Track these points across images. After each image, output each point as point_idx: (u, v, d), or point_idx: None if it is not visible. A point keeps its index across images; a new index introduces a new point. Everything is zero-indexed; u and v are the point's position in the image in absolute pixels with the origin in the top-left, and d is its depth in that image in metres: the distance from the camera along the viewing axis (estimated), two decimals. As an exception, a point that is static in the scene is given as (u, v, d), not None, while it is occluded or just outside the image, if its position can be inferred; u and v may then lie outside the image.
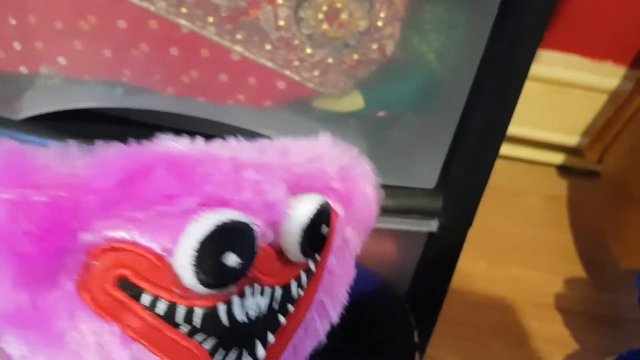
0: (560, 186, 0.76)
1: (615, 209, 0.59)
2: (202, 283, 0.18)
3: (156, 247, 0.18)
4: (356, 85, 0.35)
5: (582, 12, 0.69)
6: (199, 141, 0.21)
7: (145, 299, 0.19)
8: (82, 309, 0.18)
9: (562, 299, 0.61)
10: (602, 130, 0.66)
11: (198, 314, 0.19)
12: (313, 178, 0.23)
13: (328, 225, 0.23)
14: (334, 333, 0.43)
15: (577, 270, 0.64)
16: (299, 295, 0.23)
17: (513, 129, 0.77)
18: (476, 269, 0.63)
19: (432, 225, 0.41)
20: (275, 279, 0.22)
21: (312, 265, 0.24)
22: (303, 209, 0.22)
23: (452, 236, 0.42)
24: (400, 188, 0.40)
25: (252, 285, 0.21)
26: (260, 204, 0.20)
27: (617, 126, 0.63)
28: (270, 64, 0.33)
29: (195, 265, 0.18)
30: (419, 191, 0.40)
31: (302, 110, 0.36)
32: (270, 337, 0.22)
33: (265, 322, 0.22)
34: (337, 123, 0.37)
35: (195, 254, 0.18)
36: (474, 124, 0.36)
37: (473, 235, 0.67)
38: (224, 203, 0.19)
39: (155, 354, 0.19)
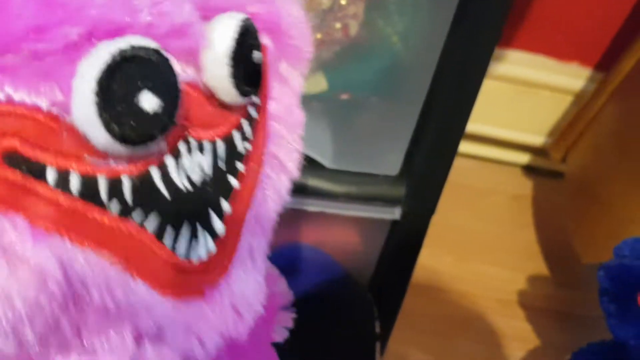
0: (525, 186, 0.77)
1: (579, 206, 0.60)
2: (117, 137, 0.14)
3: (43, 103, 0.13)
4: (320, 66, 0.35)
5: (549, 13, 0.69)
6: None
7: (50, 174, 0.14)
8: None
9: (524, 295, 0.61)
10: (566, 130, 0.67)
11: (126, 185, 0.15)
12: (223, 1, 0.18)
13: (259, 49, 0.18)
14: (295, 321, 0.43)
15: (540, 267, 0.65)
16: (246, 150, 0.19)
17: (479, 128, 0.78)
18: (441, 265, 0.63)
19: (396, 213, 0.41)
20: (212, 129, 0.17)
21: (252, 112, 0.19)
22: (223, 30, 0.16)
23: (415, 224, 0.41)
24: (363, 175, 0.40)
25: (186, 141, 0.16)
26: (165, 28, 0.15)
27: (581, 126, 0.64)
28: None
29: (101, 115, 0.13)
30: (383, 178, 0.40)
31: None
32: (225, 205, 0.18)
33: (215, 187, 0.17)
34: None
35: (97, 98, 0.13)
36: (437, 110, 0.36)
37: (439, 232, 0.67)
38: (117, 31, 0.14)
39: (84, 246, 0.14)
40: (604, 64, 0.71)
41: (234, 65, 0.16)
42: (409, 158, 0.39)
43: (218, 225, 0.17)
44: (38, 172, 0.13)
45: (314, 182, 0.39)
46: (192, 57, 0.16)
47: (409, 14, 0.33)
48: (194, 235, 0.17)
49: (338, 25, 0.32)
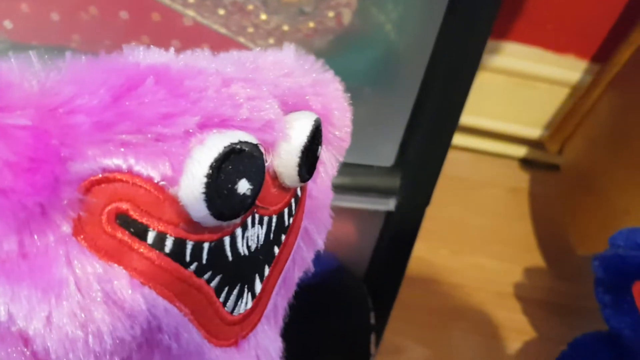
0: (521, 178, 0.77)
1: (574, 197, 0.60)
2: (215, 214, 0.16)
3: (156, 176, 0.16)
4: (313, 56, 0.34)
5: (545, 5, 0.69)
6: (171, 51, 0.18)
7: (151, 236, 0.16)
8: (82, 252, 0.15)
9: (521, 287, 0.61)
10: (562, 122, 0.67)
11: (205, 249, 0.17)
12: (295, 95, 0.20)
13: (320, 145, 0.21)
14: (289, 314, 0.42)
15: (537, 260, 0.65)
16: (289, 224, 0.21)
17: (475, 121, 0.77)
18: (437, 257, 0.63)
19: (390, 204, 0.41)
20: (272, 207, 0.20)
21: (298, 191, 0.22)
22: (301, 129, 0.19)
23: (410, 215, 0.41)
24: (358, 166, 0.40)
25: (252, 215, 0.19)
26: (259, 123, 0.18)
27: (577, 118, 0.64)
28: (223, 30, 0.32)
29: (206, 194, 0.16)
30: (377, 169, 0.40)
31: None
32: (267, 270, 0.21)
33: (263, 254, 0.20)
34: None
35: (207, 180, 0.16)
36: (431, 100, 0.36)
37: (434, 225, 0.67)
38: (224, 122, 0.17)
39: (166, 298, 0.16)
40: (601, 56, 0.70)
41: (302, 157, 0.19)
42: (404, 149, 0.39)
43: (258, 287, 0.20)
44: (142, 233, 0.16)
45: (308, 173, 0.39)
46: (271, 147, 0.19)
47: (402, 2, 0.33)
48: (240, 295, 0.19)
49: (331, 13, 0.32)
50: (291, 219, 0.21)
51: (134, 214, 0.16)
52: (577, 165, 0.62)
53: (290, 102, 0.20)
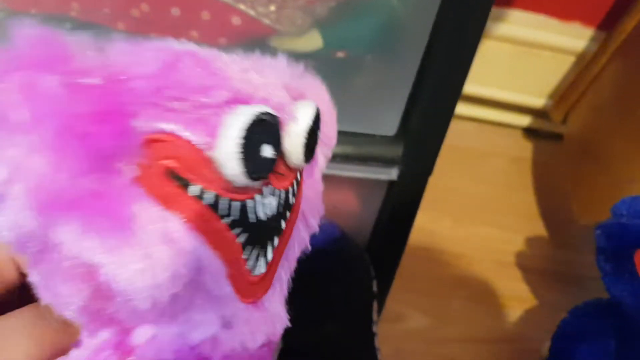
0: (525, 148, 0.76)
1: (578, 166, 0.60)
2: (247, 173, 0.19)
3: (196, 139, 0.18)
4: (314, 23, 0.34)
5: (551, -29, 0.68)
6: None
7: (194, 189, 0.18)
8: (143, 196, 0.17)
9: (523, 256, 0.62)
10: (567, 91, 0.66)
11: (236, 206, 0.20)
12: (294, 91, 0.23)
13: (320, 130, 0.24)
14: (293, 281, 0.43)
15: (539, 229, 0.65)
16: (292, 202, 0.24)
17: (479, 90, 0.77)
18: (439, 227, 0.63)
19: (393, 174, 0.41)
20: (281, 182, 0.22)
21: (298, 175, 0.24)
22: (307, 113, 0.22)
23: (412, 184, 0.41)
24: (360, 135, 0.40)
25: (267, 185, 0.21)
26: (273, 104, 0.20)
27: (582, 87, 0.63)
28: (224, -3, 0.32)
29: (239, 154, 0.18)
30: (379, 139, 0.40)
31: (258, 49, 0.35)
32: (276, 240, 0.23)
33: (274, 225, 0.22)
34: (295, 64, 0.36)
35: (239, 141, 0.18)
36: (434, 68, 0.36)
37: (437, 194, 0.67)
38: (248, 99, 0.20)
39: (207, 245, 0.19)
40: (607, 24, 0.69)
41: (307, 138, 0.22)
42: (406, 118, 0.39)
43: (270, 253, 0.23)
44: (186, 186, 0.18)
45: (310, 142, 0.39)
46: (282, 127, 0.21)
47: (405, -31, 0.32)
48: (258, 257, 0.22)
49: (333, -20, 0.31)
50: (294, 199, 0.24)
51: (180, 170, 0.18)
52: (581, 135, 0.62)
53: (296, 94, 0.23)
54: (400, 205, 0.43)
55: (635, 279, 0.41)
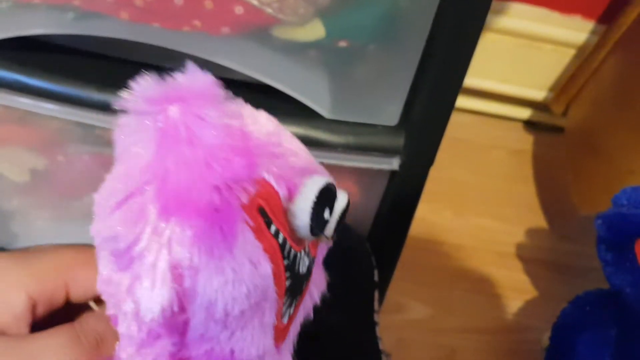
0: (526, 140, 0.76)
1: (578, 158, 0.60)
2: (311, 227, 0.23)
3: (280, 192, 0.23)
4: (317, 12, 0.34)
5: (552, -36, 0.68)
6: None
7: (273, 228, 0.22)
8: (246, 221, 0.21)
9: (523, 248, 0.62)
10: (567, 84, 0.67)
11: (293, 254, 0.23)
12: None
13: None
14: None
15: (539, 221, 0.65)
16: (311, 270, 0.27)
17: (480, 83, 0.77)
18: (440, 218, 0.64)
19: (394, 164, 0.41)
20: (312, 248, 0.26)
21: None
22: (343, 194, 0.25)
23: (413, 174, 0.42)
24: (362, 125, 0.40)
25: (305, 247, 0.25)
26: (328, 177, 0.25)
27: (582, 79, 0.64)
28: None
29: (311, 210, 0.22)
30: (381, 129, 0.40)
31: (261, 39, 0.35)
32: (298, 298, 0.26)
33: (303, 282, 0.26)
34: (297, 54, 0.37)
35: (314, 200, 0.22)
36: (436, 58, 0.36)
37: (438, 186, 0.67)
38: (316, 169, 0.25)
39: (274, 277, 0.22)
40: (607, 17, 0.70)
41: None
42: (408, 108, 0.39)
43: (293, 307, 0.26)
44: (269, 224, 0.22)
45: (312, 132, 0.39)
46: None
47: (407, -42, 0.33)
48: (289, 306, 0.25)
49: (335, -31, 0.31)
50: (311, 267, 0.27)
51: (267, 210, 0.22)
52: (581, 127, 0.62)
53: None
54: (401, 195, 0.43)
55: (636, 269, 0.42)
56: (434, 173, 0.71)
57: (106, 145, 0.41)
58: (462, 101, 0.80)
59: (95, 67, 0.39)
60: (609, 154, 0.54)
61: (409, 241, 0.61)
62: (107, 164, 0.43)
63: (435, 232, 0.62)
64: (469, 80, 0.77)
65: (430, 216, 0.64)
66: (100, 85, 0.37)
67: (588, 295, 0.45)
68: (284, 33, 0.35)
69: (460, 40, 0.35)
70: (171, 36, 0.35)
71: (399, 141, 0.40)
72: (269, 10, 0.33)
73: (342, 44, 0.36)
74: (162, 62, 0.39)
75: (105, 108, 0.38)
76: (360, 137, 0.40)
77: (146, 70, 0.35)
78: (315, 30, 0.35)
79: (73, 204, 0.46)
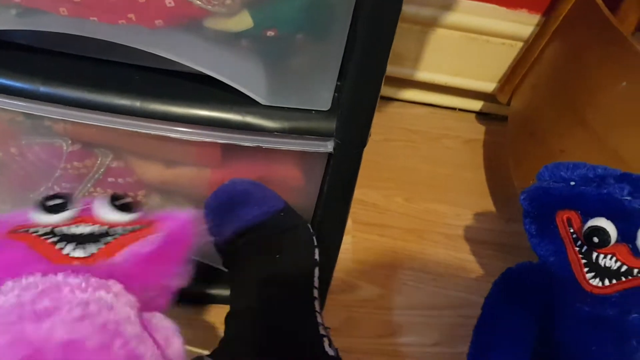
0: (478, 130, 0.80)
1: (518, 143, 0.63)
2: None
3: None
4: (244, 4, 0.37)
5: (495, -40, 0.72)
6: None
7: None
8: None
9: (470, 230, 0.65)
10: (510, 74, 0.70)
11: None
12: None
13: None
14: (238, 250, 0.45)
15: (487, 204, 0.68)
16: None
17: (434, 77, 0.80)
18: (393, 204, 0.66)
19: (329, 146, 0.43)
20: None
21: None
22: None
23: (347, 156, 0.44)
24: (297, 110, 0.42)
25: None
26: None
27: (523, 70, 0.67)
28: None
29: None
30: (315, 113, 0.43)
31: (194, 30, 0.38)
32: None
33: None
34: (230, 44, 0.39)
35: None
36: (358, 45, 0.38)
37: (392, 174, 0.70)
38: None
39: None
40: (551, 10, 0.73)
41: None
42: (338, 93, 0.42)
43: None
44: None
45: (249, 118, 0.42)
46: None
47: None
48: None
49: (256, -37, 0.34)
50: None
51: None
52: (521, 113, 0.65)
53: None
54: (339, 176, 0.45)
55: (558, 239, 0.44)
56: (387, 162, 0.74)
57: (55, 136, 0.43)
58: (416, 94, 0.83)
59: (41, 61, 0.41)
60: (543, 137, 0.57)
61: (361, 226, 0.63)
62: (57, 154, 0.45)
63: (388, 217, 0.65)
64: (422, 74, 0.80)
65: (383, 202, 0.66)
66: (45, 78, 0.40)
67: (518, 267, 0.48)
68: (214, 24, 0.38)
69: (378, 27, 0.37)
70: (109, 30, 0.37)
71: (332, 125, 0.42)
72: (198, 2, 0.36)
73: (271, 33, 0.38)
74: (107, 55, 0.42)
75: (51, 100, 0.40)
76: (296, 122, 0.42)
77: (89, 63, 0.38)
78: (243, 21, 0.37)
79: (29, 196, 0.49)
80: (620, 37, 0.50)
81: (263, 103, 0.42)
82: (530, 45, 0.67)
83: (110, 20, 0.36)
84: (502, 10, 0.76)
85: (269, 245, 0.45)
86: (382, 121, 0.78)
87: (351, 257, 0.60)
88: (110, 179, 0.46)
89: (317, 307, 0.44)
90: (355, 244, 0.61)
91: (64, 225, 0.34)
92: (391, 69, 0.79)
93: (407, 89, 0.82)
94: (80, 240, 0.33)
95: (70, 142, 0.44)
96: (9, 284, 0.31)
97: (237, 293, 0.44)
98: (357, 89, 0.41)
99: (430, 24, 0.76)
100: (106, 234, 0.34)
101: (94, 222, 0.35)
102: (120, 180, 0.46)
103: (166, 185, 0.48)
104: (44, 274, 0.31)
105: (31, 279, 0.31)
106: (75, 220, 0.35)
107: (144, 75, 0.42)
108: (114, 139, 0.44)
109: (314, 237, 0.47)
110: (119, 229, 0.35)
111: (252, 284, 0.43)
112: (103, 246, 0.33)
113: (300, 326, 0.43)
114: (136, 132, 0.41)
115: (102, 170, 0.45)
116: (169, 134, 0.41)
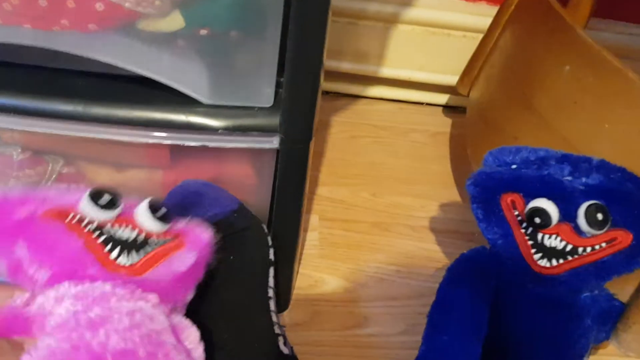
0: (445, 124, 0.80)
1: (475, 133, 0.64)
2: None
3: None
4: (174, 4, 0.38)
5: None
6: None
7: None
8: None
9: (436, 221, 0.66)
10: (468, 66, 0.71)
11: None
12: None
13: None
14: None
15: (453, 195, 0.69)
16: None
17: (398, 72, 0.81)
18: (359, 199, 0.67)
19: (274, 142, 0.44)
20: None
21: None
22: None
23: (294, 151, 0.45)
24: (240, 108, 0.43)
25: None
26: None
27: (480, 60, 0.68)
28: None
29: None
30: (258, 110, 0.43)
31: (128, 32, 0.39)
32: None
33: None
34: (166, 44, 0.40)
35: None
36: (292, 41, 0.39)
37: (358, 170, 0.71)
38: None
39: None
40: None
41: None
42: (279, 90, 0.43)
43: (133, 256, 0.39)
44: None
45: (192, 118, 0.42)
46: None
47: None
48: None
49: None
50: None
51: None
52: (478, 103, 0.66)
53: None
54: (287, 172, 0.46)
55: (504, 222, 0.45)
56: (355, 159, 0.75)
57: (4, 145, 0.44)
58: (383, 91, 0.84)
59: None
60: (498, 124, 0.58)
61: (327, 222, 0.64)
62: (8, 163, 0.46)
63: (354, 212, 0.65)
64: (387, 71, 0.81)
65: (349, 198, 0.67)
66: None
67: (471, 252, 0.48)
68: (147, 25, 0.38)
69: (308, 21, 0.38)
70: (44, 36, 0.38)
71: (276, 120, 0.43)
72: (127, 5, 0.36)
73: (204, 32, 0.39)
74: (50, 62, 0.43)
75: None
76: (239, 119, 0.43)
77: (32, 71, 0.39)
78: (175, 21, 0.38)
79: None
80: (563, 23, 0.51)
81: (205, 102, 0.43)
82: (485, 36, 0.68)
83: (44, 26, 0.37)
84: (462, 3, 0.77)
85: (223, 246, 0.46)
86: (350, 119, 0.79)
87: (318, 252, 0.61)
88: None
89: (273, 307, 0.45)
90: (321, 240, 0.61)
91: (109, 222, 0.37)
92: (356, 67, 0.80)
93: (373, 86, 0.83)
94: (125, 245, 0.37)
95: (20, 150, 0.44)
96: (66, 284, 0.34)
97: (193, 298, 0.45)
98: (295, 84, 0.41)
99: (393, 20, 0.77)
100: (145, 243, 0.38)
101: (134, 226, 0.38)
102: (73, 186, 0.47)
103: (119, 189, 0.49)
104: (94, 280, 0.35)
105: (87, 285, 0.34)
106: (119, 220, 0.38)
107: (88, 80, 0.43)
108: (62, 144, 0.45)
109: (269, 237, 0.48)
110: (154, 240, 0.39)
111: (207, 288, 0.44)
112: (143, 256, 0.37)
113: (254, 326, 0.43)
114: (82, 137, 0.42)
115: (54, 176, 0.46)
116: (113, 137, 0.42)
